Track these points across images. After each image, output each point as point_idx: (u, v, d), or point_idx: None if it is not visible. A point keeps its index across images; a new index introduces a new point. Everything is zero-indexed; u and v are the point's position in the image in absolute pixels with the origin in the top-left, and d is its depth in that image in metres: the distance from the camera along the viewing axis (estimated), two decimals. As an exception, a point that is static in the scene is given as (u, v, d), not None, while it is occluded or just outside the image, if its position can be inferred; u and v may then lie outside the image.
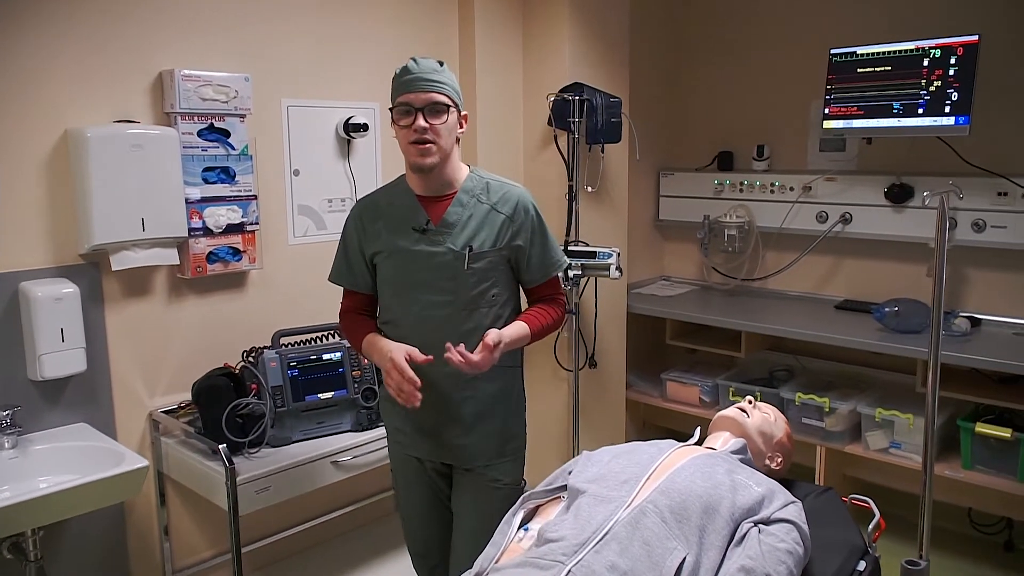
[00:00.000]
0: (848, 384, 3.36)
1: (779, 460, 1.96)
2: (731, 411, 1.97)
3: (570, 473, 1.85)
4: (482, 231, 1.96)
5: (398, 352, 1.88)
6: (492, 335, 1.88)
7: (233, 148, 2.52)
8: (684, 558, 1.50)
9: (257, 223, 2.60)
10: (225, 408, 2.30)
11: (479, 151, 3.21)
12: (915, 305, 3.07)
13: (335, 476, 2.46)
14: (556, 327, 2.08)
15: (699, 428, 1.99)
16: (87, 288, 2.29)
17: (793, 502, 1.68)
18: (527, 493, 1.86)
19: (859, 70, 3.12)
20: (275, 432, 2.40)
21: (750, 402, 2.02)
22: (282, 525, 2.84)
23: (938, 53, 2.92)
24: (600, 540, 1.53)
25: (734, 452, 1.85)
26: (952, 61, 2.89)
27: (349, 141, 2.87)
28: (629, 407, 3.72)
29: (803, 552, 1.61)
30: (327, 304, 2.86)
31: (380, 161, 2.99)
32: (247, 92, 2.51)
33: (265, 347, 2.51)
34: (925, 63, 2.95)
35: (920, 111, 2.98)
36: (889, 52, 3.05)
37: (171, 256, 2.41)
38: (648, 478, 1.67)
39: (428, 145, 1.87)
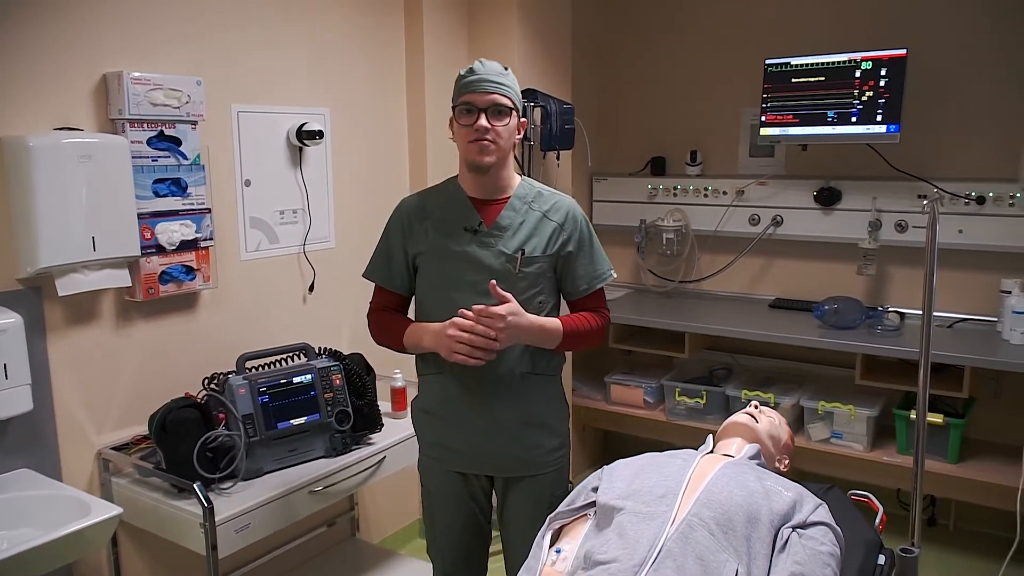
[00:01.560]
0: (787, 379, 3.50)
1: (786, 462, 2.01)
2: (742, 417, 2.00)
3: (594, 490, 1.82)
4: (533, 237, 1.97)
5: (456, 318, 1.86)
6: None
7: (185, 157, 2.32)
8: (736, 569, 1.51)
9: (211, 239, 2.41)
10: (195, 442, 2.11)
11: (428, 160, 3.12)
12: (851, 302, 3.24)
13: (313, 506, 2.31)
14: (594, 337, 2.05)
15: (711, 436, 1.99)
16: (27, 317, 2.04)
17: (820, 504, 1.72)
18: (552, 514, 1.82)
19: (794, 80, 3.26)
20: (247, 464, 2.23)
21: (756, 407, 2.05)
22: (235, 564, 2.65)
23: (869, 65, 3.09)
24: (656, 559, 1.51)
25: (751, 458, 1.88)
26: (882, 73, 3.06)
27: (301, 149, 2.71)
28: (572, 411, 3.71)
29: (840, 552, 1.64)
30: (284, 323, 2.71)
31: (332, 169, 2.85)
32: (199, 97, 2.32)
33: (229, 372, 2.33)
34: (857, 74, 3.11)
35: (853, 119, 3.14)
36: (823, 63, 3.20)
37: (123, 278, 2.20)
38: (684, 491, 1.67)
39: (488, 144, 1.87)
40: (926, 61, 3.13)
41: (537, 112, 3.02)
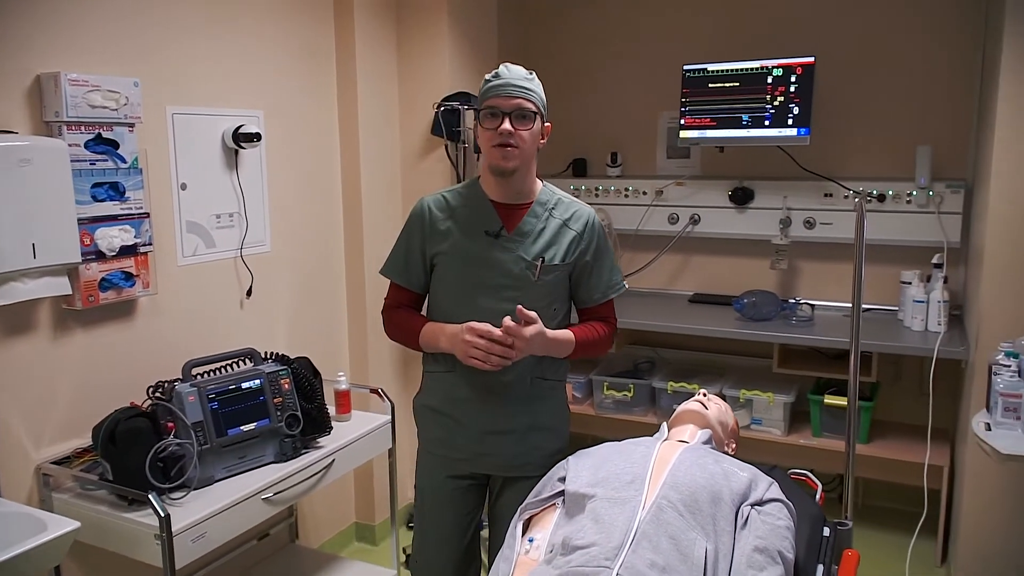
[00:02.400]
0: (709, 370, 3.68)
1: (733, 445, 2.14)
2: (693, 405, 2.11)
3: (560, 480, 1.89)
4: (553, 245, 2.00)
5: (473, 323, 1.90)
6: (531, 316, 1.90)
7: (123, 161, 2.25)
8: (706, 547, 1.61)
9: (151, 244, 2.35)
10: (146, 452, 2.06)
11: (361, 163, 3.12)
12: (767, 296, 3.44)
13: (266, 512, 2.29)
14: (602, 346, 2.11)
15: (664, 424, 2.10)
16: (-40, 328, 1.95)
17: (773, 483, 1.84)
18: (522, 504, 1.88)
19: (711, 85, 3.43)
20: (198, 472, 2.18)
21: (704, 395, 2.17)
22: None
23: (780, 72, 3.29)
24: (632, 541, 1.59)
25: (704, 443, 1.99)
26: (793, 79, 3.27)
27: (237, 152, 2.67)
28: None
29: (794, 525, 1.77)
30: (223, 329, 2.66)
31: (267, 172, 2.81)
32: (137, 99, 2.26)
33: (175, 380, 2.27)
34: (769, 80, 3.31)
35: (767, 123, 3.34)
36: (737, 70, 3.38)
37: (63, 286, 2.12)
38: (651, 476, 1.76)
39: (511, 149, 1.90)
40: (832, 68, 3.36)
41: (471, 115, 3.07)
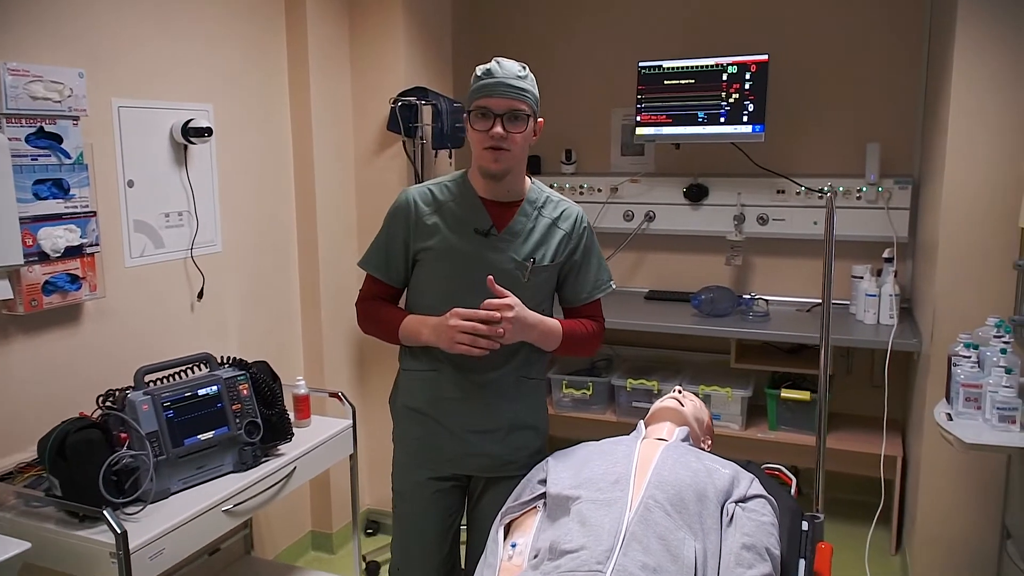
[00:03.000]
0: (666, 367, 3.69)
1: (709, 442, 2.13)
2: (670, 402, 2.09)
3: (540, 482, 1.84)
4: (543, 245, 1.96)
5: (457, 308, 1.85)
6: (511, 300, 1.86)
7: (67, 156, 2.12)
8: (695, 546, 1.59)
9: (97, 244, 2.22)
10: (98, 465, 1.93)
11: (315, 157, 3.02)
12: (723, 292, 3.46)
13: (227, 525, 2.18)
14: (590, 344, 2.06)
15: (641, 422, 2.07)
16: None
17: (754, 478, 1.84)
18: (503, 509, 1.83)
19: (666, 82, 3.44)
20: (154, 485, 2.07)
21: (680, 392, 2.16)
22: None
23: (735, 69, 3.31)
24: (623, 542, 1.55)
25: (682, 440, 1.98)
26: (747, 76, 3.29)
27: (186, 147, 2.55)
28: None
29: (778, 520, 1.77)
30: (173, 333, 2.54)
31: (217, 169, 2.69)
32: (82, 90, 2.13)
33: (127, 388, 2.15)
34: (724, 77, 3.33)
35: (722, 120, 3.36)
36: (692, 67, 3.39)
37: (3, 289, 1.98)
38: (635, 476, 1.73)
39: (503, 152, 1.84)
40: (785, 66, 3.40)
41: (428, 110, 3.01)
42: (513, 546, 1.73)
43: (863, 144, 3.37)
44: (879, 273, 3.29)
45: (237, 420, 2.26)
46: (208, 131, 2.51)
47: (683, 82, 3.41)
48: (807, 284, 3.59)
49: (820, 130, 3.49)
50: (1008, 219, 2.48)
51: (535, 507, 1.81)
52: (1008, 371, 2.20)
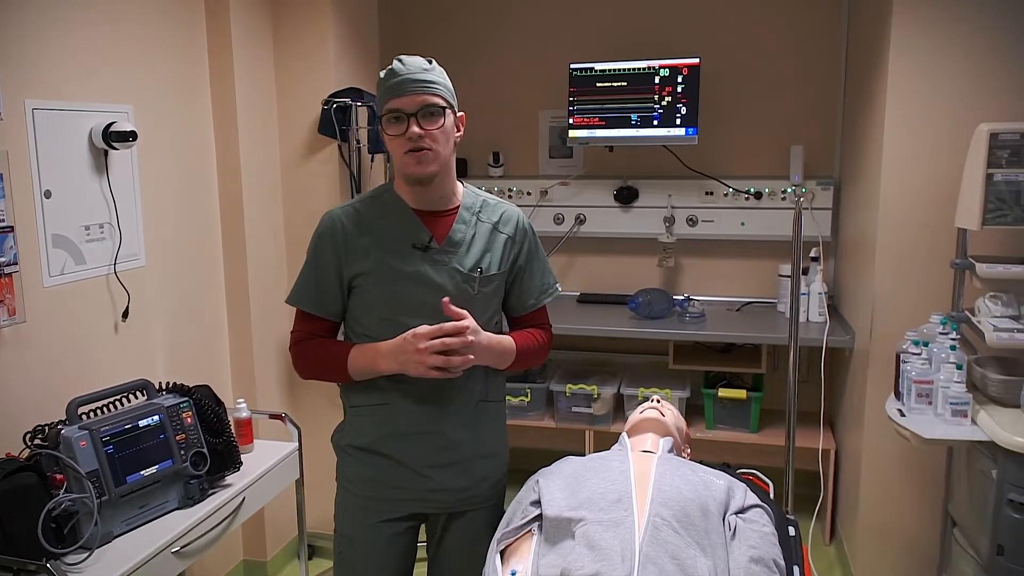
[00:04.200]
0: (602, 370, 3.68)
1: (688, 451, 2.11)
2: (651, 412, 2.05)
3: (533, 504, 1.76)
4: (488, 252, 1.82)
5: (416, 329, 1.69)
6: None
7: (-21, 165, 1.87)
8: (706, 563, 1.55)
9: (16, 263, 1.98)
10: (37, 512, 1.72)
11: (242, 164, 2.82)
12: (660, 294, 3.48)
13: (177, 567, 1.98)
14: (541, 355, 1.95)
15: (624, 434, 2.02)
16: None
17: (745, 487, 1.82)
18: (498, 535, 1.74)
19: (598, 84, 3.42)
20: (99, 529, 1.86)
21: (658, 400, 2.12)
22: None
23: (667, 72, 3.33)
24: (639, 565, 1.50)
25: (668, 451, 1.94)
26: (679, 79, 3.32)
27: (107, 153, 2.31)
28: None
29: (776, 527, 1.76)
30: (96, 358, 2.30)
31: (139, 176, 2.46)
32: (-4, 90, 1.89)
33: (58, 423, 1.92)
34: (656, 80, 3.34)
35: (655, 123, 3.37)
36: (624, 69, 3.39)
37: (-89, 318, 1.72)
38: (635, 493, 1.68)
39: (424, 152, 1.69)
40: (716, 69, 3.44)
41: (364, 112, 2.86)
42: (513, 574, 1.64)
43: (787, 146, 3.46)
44: (805, 272, 3.39)
45: (182, 452, 2.07)
46: (132, 135, 2.29)
47: (615, 84, 3.40)
48: (735, 283, 3.67)
49: (747, 132, 3.56)
50: (944, 218, 2.58)
51: (529, 530, 1.73)
52: (959, 367, 2.28)
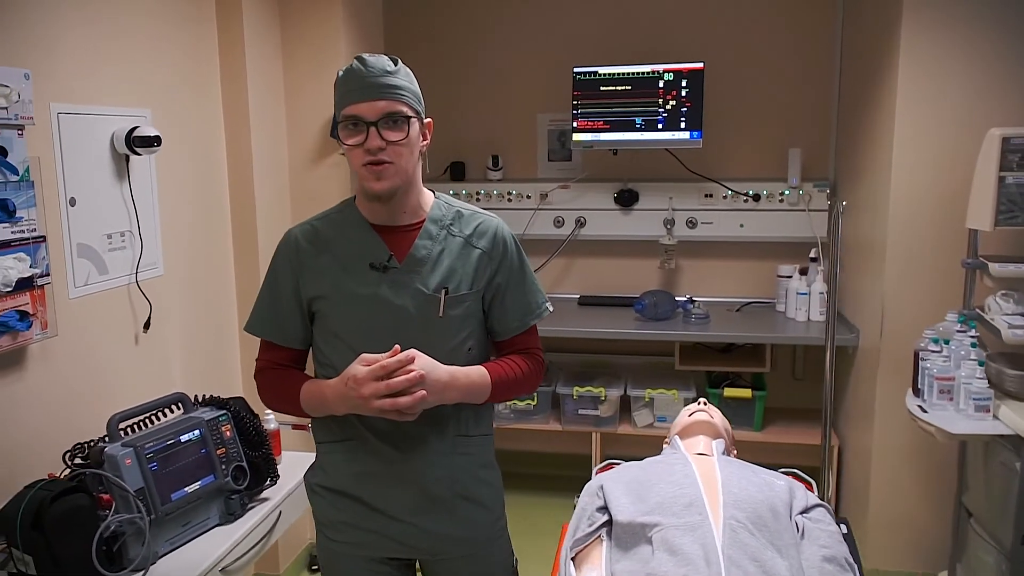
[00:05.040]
0: (605, 373, 3.69)
1: (735, 452, 2.12)
2: (699, 415, 2.07)
3: (599, 510, 1.76)
4: (457, 270, 1.62)
5: (356, 365, 1.51)
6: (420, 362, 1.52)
7: (13, 172, 1.79)
8: (783, 563, 1.57)
9: (48, 274, 1.89)
10: (90, 536, 1.65)
11: (255, 169, 2.76)
12: (664, 295, 3.51)
13: (225, 586, 1.94)
14: (527, 384, 1.72)
15: (676, 437, 2.03)
16: None
17: (803, 486, 1.85)
18: (571, 542, 1.73)
19: (602, 88, 3.43)
20: (151, 551, 1.79)
21: (704, 403, 2.14)
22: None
23: (671, 76, 3.36)
24: (724, 569, 1.51)
25: (722, 453, 1.96)
26: (684, 84, 3.35)
27: (128, 158, 2.23)
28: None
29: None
30: (118, 371, 2.22)
31: (157, 182, 2.38)
32: (28, 95, 1.80)
33: (99, 440, 1.85)
34: (661, 84, 3.37)
35: (660, 126, 3.40)
36: (628, 73, 3.41)
37: (-49, 335, 1.64)
38: (706, 496, 1.69)
39: (385, 166, 1.51)
40: (715, 74, 3.48)
41: (378, 116, 2.82)
42: (588, 581, 1.64)
43: (785, 149, 3.52)
44: (804, 272, 3.46)
45: (223, 466, 2.02)
46: (156, 140, 2.22)
47: (620, 88, 3.41)
48: (734, 284, 3.72)
49: (745, 136, 3.61)
50: (952, 219, 2.66)
51: (598, 536, 1.73)
52: (980, 363, 2.36)
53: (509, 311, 1.69)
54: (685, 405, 3.34)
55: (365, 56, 1.53)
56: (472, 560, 1.72)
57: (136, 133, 2.19)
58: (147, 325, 2.33)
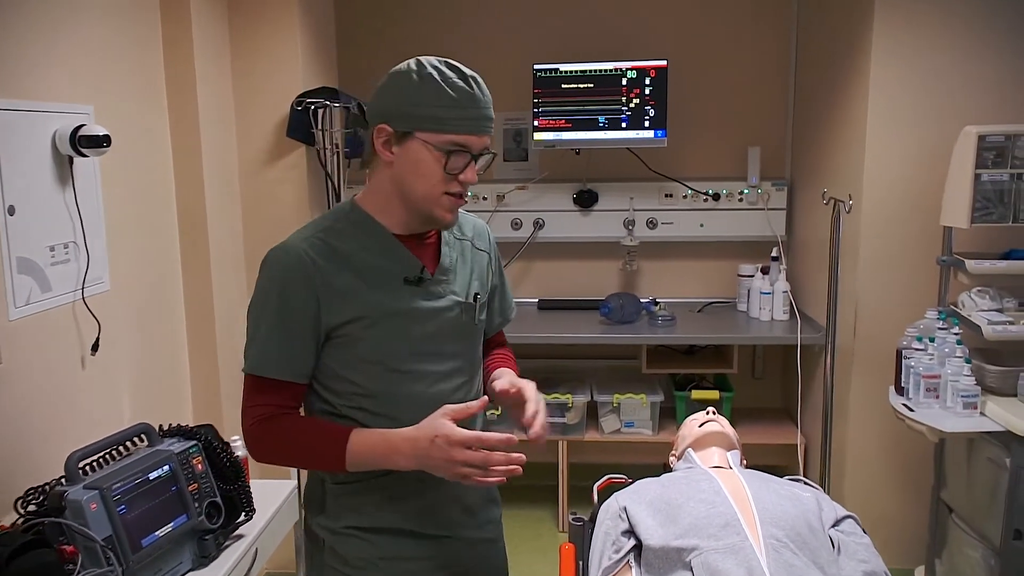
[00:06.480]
0: (569, 378, 3.58)
1: (745, 462, 2.04)
2: (711, 426, 1.97)
3: (624, 534, 1.65)
4: (474, 274, 1.56)
5: (442, 423, 1.33)
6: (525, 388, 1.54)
7: (-52, 178, 1.54)
8: (826, 582, 1.50)
9: (-10, 294, 1.65)
10: (56, 596, 1.43)
11: (205, 172, 2.53)
12: (629, 298, 3.43)
13: (203, 638, 1.73)
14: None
15: (690, 449, 1.94)
16: None
17: (826, 497, 1.78)
18: (601, 571, 1.61)
19: (564, 86, 3.33)
20: (120, 606, 1.58)
21: (712, 412, 2.05)
22: None
23: (634, 74, 3.29)
24: (772, 593, 1.42)
25: (738, 464, 1.87)
26: (647, 81, 3.28)
27: (71, 161, 1.99)
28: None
29: (866, 537, 1.73)
30: (64, 399, 1.98)
31: (102, 187, 2.14)
32: (-36, 87, 1.56)
33: (56, 482, 1.62)
34: (624, 82, 3.29)
35: (623, 125, 3.32)
36: (590, 71, 3.31)
37: None
38: (740, 515, 1.60)
39: (464, 200, 1.43)
40: (681, 72, 3.42)
41: (340, 114, 2.64)
42: (623, 610, 1.52)
43: (745, 148, 3.50)
44: (766, 271, 3.44)
45: (196, 504, 1.81)
46: (106, 139, 1.98)
47: (582, 86, 3.32)
48: (695, 284, 3.68)
49: (705, 134, 3.57)
50: (924, 217, 2.67)
51: (626, 562, 1.62)
52: (967, 360, 2.36)
53: (495, 310, 1.69)
54: (649, 408, 3.32)
55: (477, 76, 1.38)
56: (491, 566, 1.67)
57: (82, 132, 1.94)
58: (95, 347, 2.08)
